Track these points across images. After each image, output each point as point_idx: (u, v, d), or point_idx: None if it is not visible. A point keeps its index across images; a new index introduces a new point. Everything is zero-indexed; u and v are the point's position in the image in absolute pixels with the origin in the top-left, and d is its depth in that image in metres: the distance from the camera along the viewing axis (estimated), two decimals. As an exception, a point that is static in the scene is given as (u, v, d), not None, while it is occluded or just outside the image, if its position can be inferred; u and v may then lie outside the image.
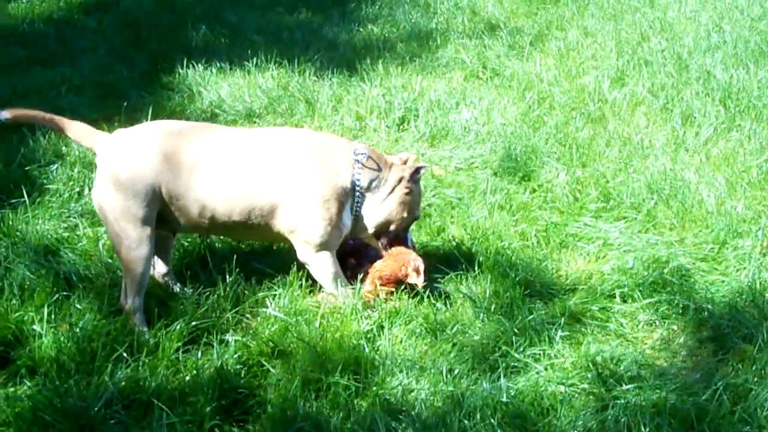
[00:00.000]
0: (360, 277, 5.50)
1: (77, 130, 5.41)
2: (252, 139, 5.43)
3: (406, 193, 5.51)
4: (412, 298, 5.44)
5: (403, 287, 5.46)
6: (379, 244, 5.67)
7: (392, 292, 5.45)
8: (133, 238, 5.15)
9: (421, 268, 5.41)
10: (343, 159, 5.39)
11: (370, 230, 5.58)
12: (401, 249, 5.55)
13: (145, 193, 5.11)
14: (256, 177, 5.25)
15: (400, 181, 5.49)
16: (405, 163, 5.62)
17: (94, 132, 5.39)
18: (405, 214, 5.58)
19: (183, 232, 5.62)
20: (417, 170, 5.52)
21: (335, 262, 5.44)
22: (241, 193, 5.23)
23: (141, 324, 5.19)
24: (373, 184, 5.46)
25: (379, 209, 5.50)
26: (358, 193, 5.42)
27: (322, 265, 5.41)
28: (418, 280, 5.40)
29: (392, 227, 5.59)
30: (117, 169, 5.12)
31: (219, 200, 5.21)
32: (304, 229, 5.29)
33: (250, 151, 5.32)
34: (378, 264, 5.51)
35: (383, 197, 5.49)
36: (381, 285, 5.45)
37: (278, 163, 5.28)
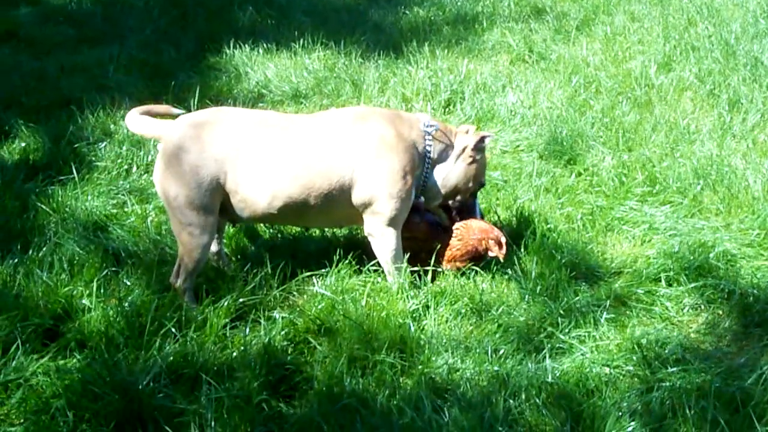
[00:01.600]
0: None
1: (141, 122, 5.41)
2: (319, 121, 5.43)
3: (471, 162, 5.54)
4: (458, 278, 5.46)
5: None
6: (444, 214, 5.75)
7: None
8: (195, 225, 5.19)
9: (503, 240, 5.49)
10: (416, 131, 5.42)
11: (438, 200, 5.63)
12: (478, 224, 5.60)
13: (209, 182, 5.13)
14: (334, 154, 5.25)
15: (464, 150, 5.52)
16: (467, 133, 5.67)
17: (155, 122, 5.40)
18: (471, 183, 5.62)
19: (242, 222, 5.66)
20: (482, 139, 5.53)
21: (399, 239, 5.44)
22: (319, 174, 5.22)
23: (191, 302, 5.25)
24: (442, 155, 5.51)
25: (446, 178, 5.54)
26: (428, 164, 5.46)
27: (388, 240, 5.41)
28: (501, 253, 5.47)
29: (459, 196, 5.65)
30: (180, 158, 5.14)
31: (294, 186, 5.21)
32: (382, 200, 5.29)
33: (321, 131, 5.32)
34: (453, 242, 5.56)
35: (450, 166, 5.53)
36: (461, 264, 5.53)
37: (356, 137, 5.29)
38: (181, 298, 5.22)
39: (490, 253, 5.51)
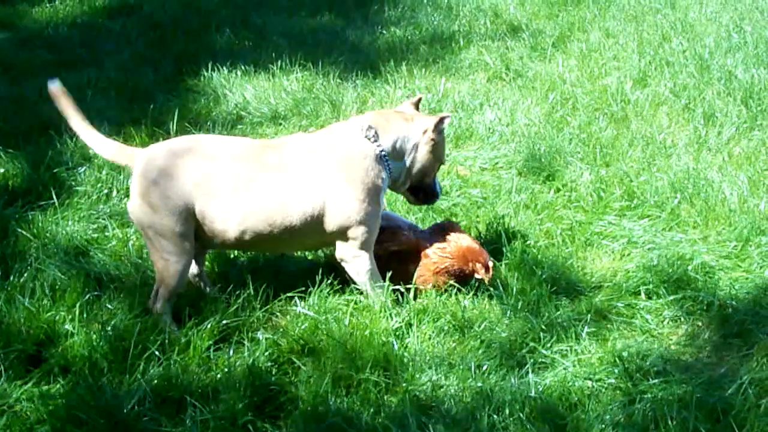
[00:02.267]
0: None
1: (112, 148, 5.43)
2: (284, 151, 5.41)
3: (434, 145, 5.56)
4: (440, 295, 5.49)
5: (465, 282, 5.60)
6: (411, 197, 5.82)
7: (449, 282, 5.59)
8: (171, 252, 5.20)
9: (490, 263, 5.54)
10: (363, 141, 5.40)
11: (406, 185, 5.68)
12: (468, 243, 5.62)
13: (180, 211, 5.14)
14: (299, 189, 5.26)
15: (424, 133, 5.54)
16: (417, 105, 5.78)
17: (128, 149, 5.44)
18: (435, 163, 5.67)
19: (215, 248, 5.66)
20: (441, 120, 5.54)
21: (372, 259, 5.46)
22: (288, 205, 5.25)
23: (169, 326, 5.23)
24: (398, 144, 5.49)
25: (413, 164, 5.57)
26: (387, 165, 5.45)
27: (362, 263, 5.43)
28: (487, 276, 5.51)
29: (426, 179, 5.69)
30: (151, 186, 5.15)
31: (263, 216, 5.23)
32: (354, 226, 5.31)
33: (288, 162, 5.32)
34: (436, 256, 5.58)
35: (411, 153, 5.55)
36: (445, 279, 5.56)
37: (316, 170, 5.29)
38: (159, 323, 5.20)
39: (476, 276, 5.54)
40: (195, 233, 5.26)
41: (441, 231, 5.73)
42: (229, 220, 5.21)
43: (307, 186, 5.26)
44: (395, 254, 5.57)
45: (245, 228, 5.22)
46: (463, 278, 5.58)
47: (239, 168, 5.26)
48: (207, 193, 5.18)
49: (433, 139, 5.53)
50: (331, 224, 5.31)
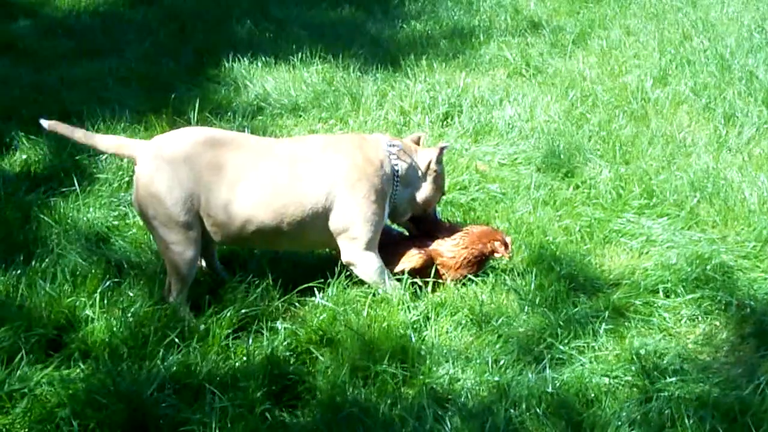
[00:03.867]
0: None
1: (113, 143, 5.49)
2: (291, 147, 5.50)
3: (435, 177, 5.62)
4: (458, 289, 5.51)
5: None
6: (414, 227, 5.86)
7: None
8: (178, 242, 5.24)
9: (508, 239, 5.62)
10: (381, 152, 5.48)
11: (407, 215, 5.72)
12: (479, 228, 5.71)
13: (185, 201, 5.18)
14: (307, 183, 5.32)
15: (429, 164, 5.59)
16: (418, 142, 5.78)
17: (130, 141, 5.50)
18: (438, 194, 5.74)
19: (217, 244, 5.66)
20: (441, 150, 5.62)
21: (378, 257, 5.50)
22: (292, 201, 5.29)
23: (187, 315, 5.27)
24: (410, 171, 5.57)
25: (418, 194, 5.63)
26: (396, 183, 5.51)
27: (369, 263, 5.47)
28: (506, 253, 5.59)
29: (429, 209, 5.74)
30: (156, 178, 5.19)
31: (267, 212, 5.28)
32: (358, 226, 5.37)
33: (294, 158, 5.38)
34: (452, 254, 5.62)
35: (417, 182, 5.61)
36: (466, 271, 5.60)
37: (328, 164, 5.35)
38: (177, 313, 5.23)
39: (496, 255, 5.59)
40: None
41: (445, 231, 5.78)
42: (235, 210, 5.25)
43: (321, 180, 5.32)
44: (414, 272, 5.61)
45: (250, 218, 5.26)
46: (483, 262, 5.65)
47: (248, 159, 5.32)
48: (213, 183, 5.22)
49: (435, 170, 5.61)
50: (336, 221, 5.38)
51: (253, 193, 5.24)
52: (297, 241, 5.53)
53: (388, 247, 5.62)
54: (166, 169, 5.18)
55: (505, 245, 5.59)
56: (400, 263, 5.59)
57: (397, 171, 5.49)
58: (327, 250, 5.79)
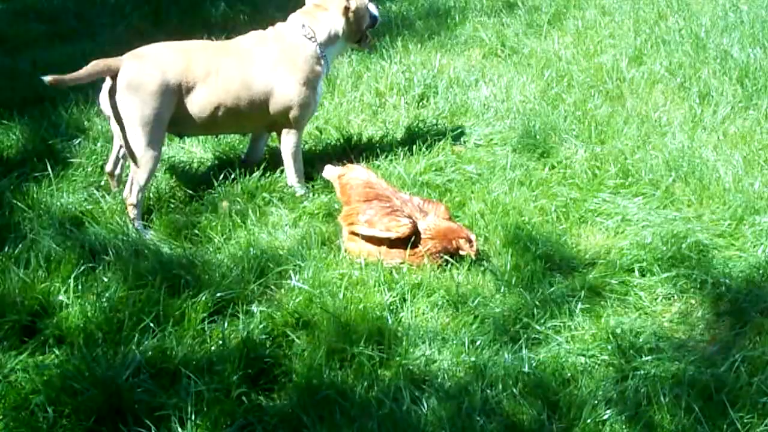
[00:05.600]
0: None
1: (101, 65, 5.98)
2: (240, 45, 6.47)
3: (354, 12, 6.57)
4: (434, 271, 5.51)
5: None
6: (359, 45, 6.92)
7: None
8: (151, 140, 5.97)
9: (473, 237, 5.59)
10: (301, 39, 6.42)
11: (353, 46, 6.99)
12: (447, 224, 5.67)
13: (167, 103, 5.99)
14: (254, 73, 6.26)
15: (345, 11, 6.53)
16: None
17: (112, 59, 6.05)
18: (364, 17, 6.67)
19: (186, 135, 6.65)
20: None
21: (301, 138, 6.58)
22: (247, 87, 6.23)
23: (137, 217, 6.05)
24: (331, 32, 6.53)
25: (347, 37, 6.65)
26: (324, 56, 6.48)
27: (291, 138, 6.50)
28: (472, 250, 5.56)
29: (363, 26, 6.69)
30: (142, 83, 5.91)
31: (231, 97, 6.18)
32: (294, 107, 6.35)
33: (245, 55, 6.34)
34: (425, 241, 5.64)
35: (343, 30, 6.57)
36: (427, 257, 5.60)
37: (268, 57, 6.32)
38: (131, 212, 6.03)
39: (461, 252, 5.57)
40: (171, 120, 6.09)
41: (420, 208, 5.77)
42: (207, 101, 6.11)
43: (261, 70, 6.27)
44: (393, 243, 5.60)
45: (219, 105, 6.15)
46: (444, 256, 5.63)
47: (211, 59, 6.20)
48: (191, 80, 6.06)
49: (350, 9, 6.53)
50: (276, 105, 6.33)
51: (221, 84, 6.15)
52: (252, 122, 6.51)
53: (380, 209, 5.68)
54: (153, 76, 5.93)
55: (470, 242, 5.57)
56: (387, 230, 5.60)
57: (321, 48, 6.45)
58: (305, 228, 5.79)
